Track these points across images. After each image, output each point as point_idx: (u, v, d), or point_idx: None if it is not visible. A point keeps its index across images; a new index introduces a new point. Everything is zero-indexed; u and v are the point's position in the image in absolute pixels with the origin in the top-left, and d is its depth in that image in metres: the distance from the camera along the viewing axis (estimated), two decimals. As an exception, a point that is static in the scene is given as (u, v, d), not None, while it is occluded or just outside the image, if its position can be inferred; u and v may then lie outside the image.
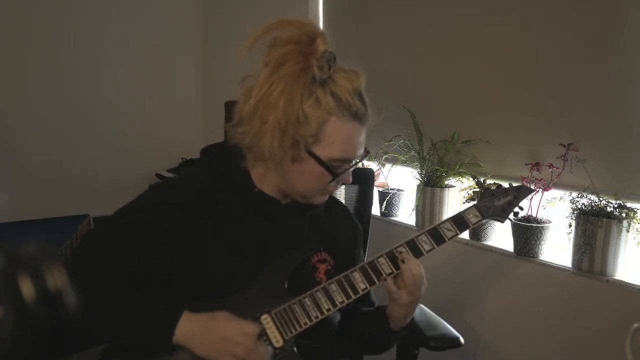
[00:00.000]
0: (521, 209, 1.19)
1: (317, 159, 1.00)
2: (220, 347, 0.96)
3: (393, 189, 2.16)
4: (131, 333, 0.99)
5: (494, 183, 1.75)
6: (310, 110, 0.96)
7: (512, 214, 1.18)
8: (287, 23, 0.99)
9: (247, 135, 1.01)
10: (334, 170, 1.01)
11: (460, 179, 1.90)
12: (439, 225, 1.11)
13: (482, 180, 1.77)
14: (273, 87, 0.95)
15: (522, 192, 1.19)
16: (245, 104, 0.99)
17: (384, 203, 2.09)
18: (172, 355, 0.98)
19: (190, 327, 0.97)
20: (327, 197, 1.11)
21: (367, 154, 1.08)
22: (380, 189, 2.14)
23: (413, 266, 1.06)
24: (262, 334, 1.01)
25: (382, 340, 1.17)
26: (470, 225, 1.13)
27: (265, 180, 1.09)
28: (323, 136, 0.98)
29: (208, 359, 0.97)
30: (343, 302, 1.04)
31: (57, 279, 0.57)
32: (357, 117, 0.99)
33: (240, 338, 0.96)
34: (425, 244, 1.09)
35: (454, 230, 1.11)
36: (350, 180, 1.08)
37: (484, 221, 1.16)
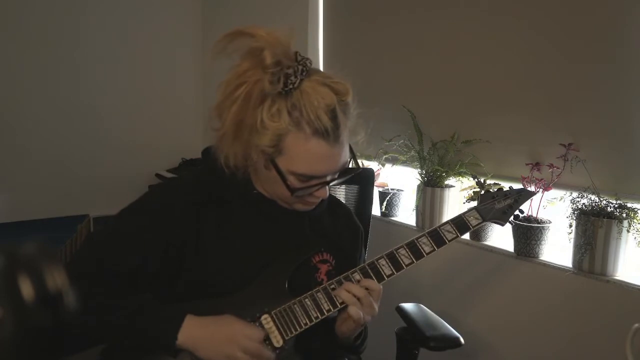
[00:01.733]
0: (521, 212, 1.19)
1: (277, 170, 0.98)
2: (226, 352, 0.96)
3: (393, 189, 2.15)
4: (134, 339, 0.99)
5: (495, 183, 1.75)
6: (269, 121, 0.94)
7: (512, 217, 1.18)
8: (242, 33, 0.96)
9: (215, 138, 1.02)
10: (292, 184, 0.99)
11: (461, 179, 1.90)
12: (439, 227, 1.11)
13: (482, 180, 1.77)
14: (232, 92, 0.95)
15: (523, 195, 1.19)
16: (213, 107, 1.00)
17: (384, 203, 2.09)
18: (173, 356, 0.98)
19: (194, 331, 0.97)
20: (310, 207, 1.09)
21: (346, 174, 1.05)
22: (380, 189, 2.14)
23: (359, 289, 1.04)
24: (267, 338, 1.01)
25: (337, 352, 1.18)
26: (471, 227, 1.13)
27: (257, 182, 1.09)
28: (285, 149, 0.96)
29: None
30: (343, 303, 1.04)
31: (57, 279, 0.57)
32: (320, 133, 0.95)
33: (246, 342, 0.97)
34: (425, 245, 1.09)
35: (454, 232, 1.11)
36: (326, 195, 1.06)
37: (484, 224, 1.16)
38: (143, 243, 1.03)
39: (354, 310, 1.02)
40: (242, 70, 0.95)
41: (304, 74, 0.94)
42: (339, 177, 1.05)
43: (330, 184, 1.04)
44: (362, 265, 1.08)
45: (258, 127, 0.95)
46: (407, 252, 1.08)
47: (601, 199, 1.47)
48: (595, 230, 1.45)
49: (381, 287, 1.06)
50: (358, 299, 1.02)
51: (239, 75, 0.95)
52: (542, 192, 1.61)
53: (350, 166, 1.05)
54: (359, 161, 1.18)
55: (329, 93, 0.95)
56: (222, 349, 0.96)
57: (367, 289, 1.04)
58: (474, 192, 1.79)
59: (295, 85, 0.94)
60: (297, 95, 0.94)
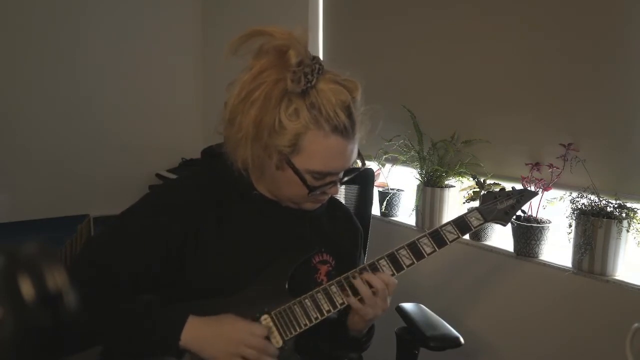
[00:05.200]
0: (523, 212, 1.18)
1: (295, 170, 0.99)
2: (231, 351, 0.96)
3: (393, 189, 2.15)
4: (136, 340, 0.99)
5: (494, 183, 1.75)
6: (287, 121, 0.95)
7: (514, 217, 1.18)
8: (264, 32, 0.96)
9: (227, 141, 1.01)
10: (310, 182, 1.00)
11: (461, 179, 1.90)
12: (440, 227, 1.11)
13: (482, 180, 1.77)
14: (249, 94, 0.94)
15: (525, 195, 1.18)
16: (225, 110, 0.99)
17: (384, 203, 2.09)
18: (177, 357, 0.98)
19: (198, 332, 0.97)
20: (318, 205, 1.10)
21: (357, 170, 1.06)
22: (380, 189, 2.14)
23: (379, 283, 1.04)
24: (267, 338, 1.01)
25: (344, 347, 1.17)
26: (472, 228, 1.13)
27: (259, 183, 1.09)
28: (302, 147, 0.97)
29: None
30: (343, 303, 1.04)
31: (57, 279, 0.57)
32: (338, 130, 0.97)
33: (250, 339, 0.97)
34: (426, 246, 1.09)
35: (455, 233, 1.11)
36: (337, 192, 1.07)
37: (485, 224, 1.15)
38: (144, 244, 1.03)
39: (358, 305, 1.03)
40: (257, 71, 0.95)
41: (319, 72, 0.96)
42: (345, 175, 1.06)
43: (342, 181, 1.05)
44: (363, 265, 1.08)
45: (276, 127, 0.95)
46: (407, 252, 1.08)
47: (601, 199, 1.47)
48: (594, 230, 1.45)
49: (396, 281, 1.06)
50: (374, 292, 1.03)
51: (255, 76, 0.95)
52: (542, 192, 1.61)
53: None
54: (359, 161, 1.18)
55: (343, 90, 0.97)
56: (227, 348, 0.96)
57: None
58: (473, 192, 1.79)
59: (313, 83, 0.95)
60: (314, 94, 0.95)
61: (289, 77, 0.93)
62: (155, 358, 0.98)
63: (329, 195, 1.09)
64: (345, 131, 0.97)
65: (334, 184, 1.04)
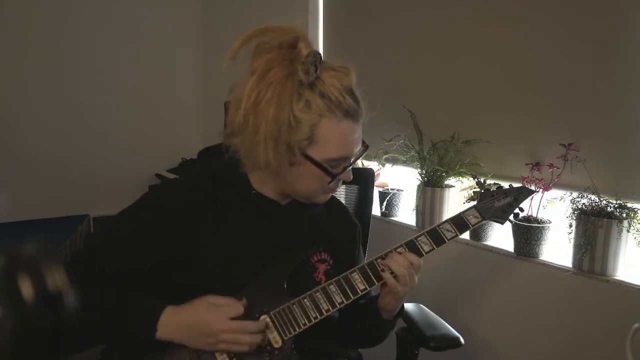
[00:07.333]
0: (521, 210, 1.18)
1: (314, 162, 0.99)
2: (211, 341, 0.97)
3: (393, 189, 2.16)
4: (116, 331, 1.00)
5: (494, 183, 1.75)
6: (301, 114, 0.96)
7: (512, 215, 1.18)
8: (268, 30, 0.97)
9: (241, 146, 1.01)
10: (331, 170, 1.01)
11: (461, 179, 1.90)
12: (438, 226, 1.11)
13: (482, 180, 1.77)
14: (261, 96, 0.94)
15: (523, 193, 1.18)
16: (235, 114, 0.98)
17: (384, 203, 2.09)
18: (170, 354, 0.98)
19: (174, 323, 0.98)
20: (329, 196, 1.11)
21: (366, 149, 1.07)
22: (380, 189, 2.14)
23: (404, 260, 1.06)
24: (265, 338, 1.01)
25: (375, 331, 1.18)
26: (470, 226, 1.13)
27: (265, 183, 1.09)
28: (317, 138, 0.98)
29: (203, 349, 0.99)
30: (342, 302, 1.04)
31: (57, 279, 0.57)
32: (349, 114, 0.99)
33: (225, 325, 0.97)
34: (424, 244, 1.09)
35: (453, 231, 1.11)
36: (351, 177, 1.08)
37: (483, 222, 1.16)
38: (141, 243, 1.03)
39: (393, 282, 1.04)
40: (263, 71, 0.95)
41: (321, 61, 0.97)
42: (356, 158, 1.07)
43: (352, 165, 1.06)
44: (361, 265, 1.08)
45: (292, 123, 0.96)
46: (405, 251, 1.08)
47: (601, 199, 1.47)
48: (595, 230, 1.45)
49: (421, 260, 1.07)
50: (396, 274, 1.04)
51: (262, 76, 0.95)
52: (542, 192, 1.61)
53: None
54: (359, 161, 1.18)
55: (343, 75, 0.99)
56: (206, 339, 0.97)
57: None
58: (474, 192, 1.79)
59: (318, 73, 0.96)
60: (320, 83, 0.97)
61: (300, 70, 0.94)
62: (152, 357, 0.98)
63: (341, 184, 1.10)
64: (355, 114, 1.00)
65: (348, 169, 1.05)
